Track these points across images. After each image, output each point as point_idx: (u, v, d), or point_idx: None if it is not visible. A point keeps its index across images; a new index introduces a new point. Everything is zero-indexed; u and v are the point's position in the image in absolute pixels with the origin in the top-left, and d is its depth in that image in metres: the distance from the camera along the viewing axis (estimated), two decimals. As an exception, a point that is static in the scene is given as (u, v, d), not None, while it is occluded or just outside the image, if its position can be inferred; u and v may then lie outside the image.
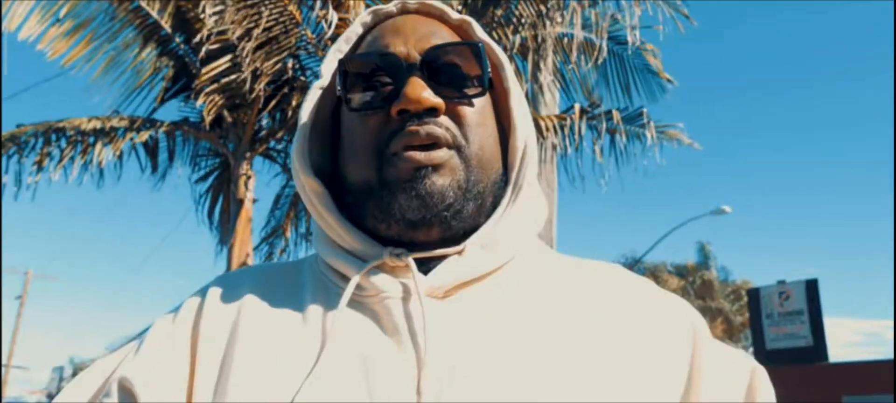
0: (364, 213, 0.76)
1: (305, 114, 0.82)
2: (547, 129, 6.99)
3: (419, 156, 0.72)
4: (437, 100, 0.73)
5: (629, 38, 7.05)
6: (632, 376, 0.69)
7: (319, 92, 0.83)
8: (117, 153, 6.58)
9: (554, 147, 7.14)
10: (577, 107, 7.06)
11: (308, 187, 0.80)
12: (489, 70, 0.78)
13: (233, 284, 0.82)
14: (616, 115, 7.25)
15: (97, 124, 6.59)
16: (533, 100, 8.01)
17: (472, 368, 0.66)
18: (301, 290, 0.79)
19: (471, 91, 0.77)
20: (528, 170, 0.80)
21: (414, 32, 0.79)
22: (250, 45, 6.29)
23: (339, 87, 0.78)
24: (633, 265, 25.35)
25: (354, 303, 0.73)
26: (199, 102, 6.42)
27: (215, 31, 6.24)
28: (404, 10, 0.85)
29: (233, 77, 6.51)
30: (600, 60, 7.59)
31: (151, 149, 7.56)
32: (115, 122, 6.76)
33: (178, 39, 7.17)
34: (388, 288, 0.72)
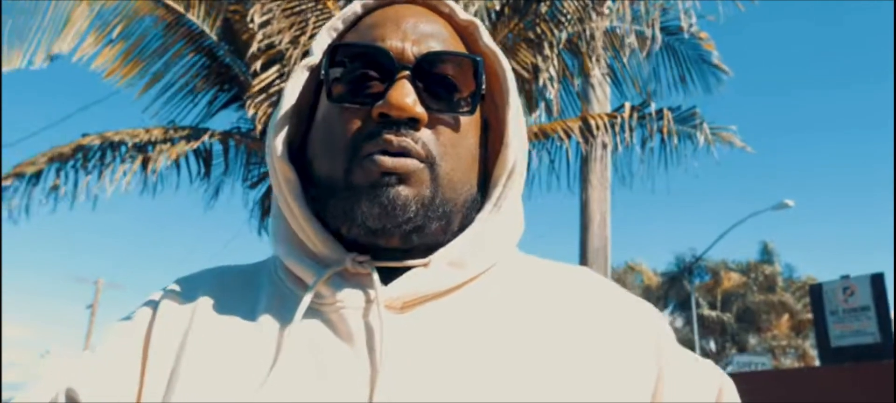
0: (326, 210, 0.73)
1: (289, 93, 0.78)
2: (597, 128, 6.89)
3: (387, 162, 0.69)
4: (421, 112, 0.70)
5: (683, 24, 6.87)
6: (589, 387, 0.67)
7: (306, 73, 0.79)
8: (171, 160, 6.72)
9: (604, 145, 7.03)
10: (627, 105, 6.93)
11: (280, 172, 0.76)
12: (483, 88, 0.75)
13: (188, 288, 0.79)
14: (667, 115, 7.09)
15: (153, 135, 6.75)
16: (585, 96, 7.91)
17: (427, 380, 0.64)
18: (257, 296, 0.76)
19: (459, 109, 0.74)
20: (513, 189, 0.78)
21: (414, 29, 0.75)
22: (298, 52, 6.36)
23: (323, 71, 0.74)
24: (693, 263, 24.82)
25: (311, 311, 0.71)
26: (250, 112, 6.51)
27: (265, 43, 6.32)
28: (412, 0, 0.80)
29: (280, 85, 6.58)
30: (653, 51, 7.42)
31: (205, 157, 7.71)
32: (169, 133, 6.92)
33: (225, 48, 7.29)
34: (347, 298, 0.70)
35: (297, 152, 0.79)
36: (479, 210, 0.78)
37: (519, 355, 0.67)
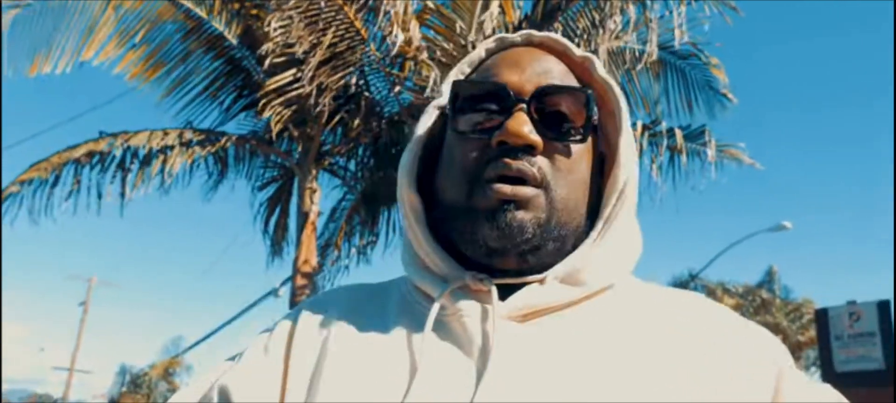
0: (449, 231, 0.79)
1: (420, 129, 0.86)
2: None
3: (506, 189, 0.74)
4: (536, 139, 0.75)
5: (676, 36, 6.94)
6: None
7: (437, 111, 0.87)
8: (190, 162, 6.77)
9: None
10: (639, 124, 7.00)
11: (407, 201, 0.83)
12: (595, 118, 0.80)
13: (323, 305, 0.87)
14: (678, 134, 7.18)
15: (170, 138, 6.79)
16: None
17: (533, 381, 0.69)
18: (387, 310, 0.83)
19: (571, 138, 0.78)
20: (624, 208, 0.81)
21: (530, 67, 0.81)
22: (316, 60, 6.41)
23: (448, 107, 0.81)
24: (689, 281, 24.89)
25: (436, 322, 0.76)
26: (266, 115, 6.56)
27: (281, 44, 6.37)
28: (529, 42, 0.87)
29: (298, 90, 6.63)
30: (649, 66, 7.52)
31: (221, 159, 7.76)
32: (187, 135, 6.97)
33: (245, 53, 7.35)
34: (469, 309, 0.75)
35: (421, 181, 0.85)
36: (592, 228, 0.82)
37: (629, 371, 0.70)
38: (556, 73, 0.81)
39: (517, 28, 6.67)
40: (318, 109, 6.74)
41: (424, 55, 6.42)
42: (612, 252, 0.80)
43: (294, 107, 6.79)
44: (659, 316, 0.78)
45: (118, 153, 6.73)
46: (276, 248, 8.48)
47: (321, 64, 6.51)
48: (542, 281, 0.77)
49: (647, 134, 7.05)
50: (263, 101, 6.61)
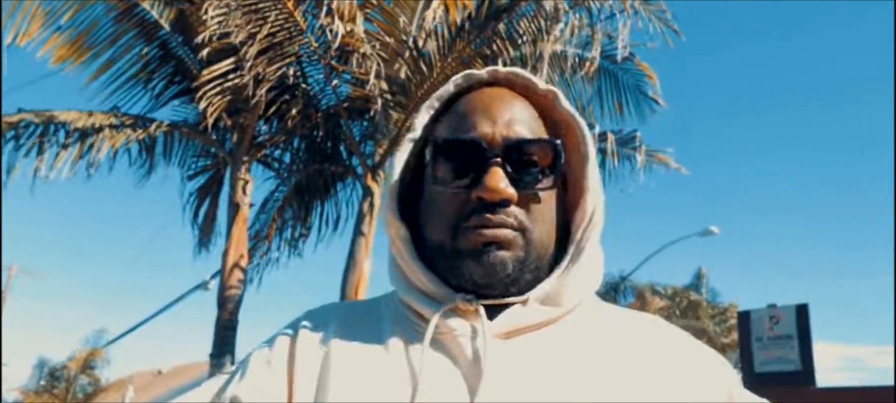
0: (436, 266, 0.88)
1: (399, 164, 0.93)
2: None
3: (488, 233, 0.82)
4: (511, 193, 0.83)
5: (620, 48, 7.10)
6: None
7: (411, 143, 0.94)
8: (115, 148, 6.56)
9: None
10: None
11: (394, 231, 0.92)
12: (562, 164, 0.87)
13: (320, 319, 0.94)
14: (610, 138, 7.34)
15: (97, 120, 6.57)
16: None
17: (522, 390, 0.78)
18: (382, 327, 0.90)
19: (542, 185, 0.86)
20: (593, 233, 0.89)
21: (500, 116, 0.88)
22: (253, 50, 6.30)
23: (427, 157, 0.89)
24: (620, 283, 25.41)
25: (431, 340, 0.84)
26: (202, 104, 6.41)
27: (218, 33, 6.24)
28: (494, 78, 0.94)
29: (234, 81, 6.51)
30: (592, 72, 7.66)
31: (148, 147, 7.56)
32: (113, 119, 6.75)
33: (178, 40, 7.17)
34: (460, 328, 0.84)
35: (403, 206, 0.94)
36: (562, 251, 0.90)
37: (604, 379, 0.80)
38: (525, 119, 0.89)
39: (460, 28, 6.69)
40: (254, 100, 6.63)
41: (366, 48, 6.38)
42: (583, 273, 0.89)
43: (229, 97, 6.66)
44: (624, 332, 0.89)
45: (36, 129, 6.46)
46: (204, 239, 8.32)
47: (259, 53, 6.41)
48: (524, 303, 0.85)
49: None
50: (198, 90, 6.47)
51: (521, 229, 0.84)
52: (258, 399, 0.84)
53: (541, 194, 0.86)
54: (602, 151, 7.51)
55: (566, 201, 0.93)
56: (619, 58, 7.44)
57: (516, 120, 0.88)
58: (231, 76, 6.52)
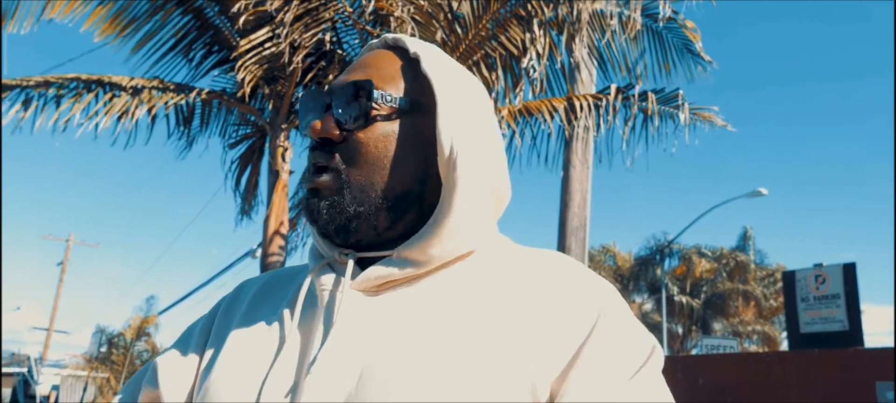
0: None
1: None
2: (581, 108, 6.95)
3: (311, 184, 0.88)
4: (328, 132, 0.87)
5: (661, 6, 6.92)
6: (495, 373, 0.76)
7: None
8: (153, 112, 6.66)
9: (586, 128, 7.09)
10: (613, 87, 7.00)
11: None
12: (373, 106, 0.87)
13: (247, 288, 1.03)
14: (651, 97, 7.18)
15: (135, 84, 6.68)
16: (571, 77, 7.95)
17: (363, 342, 0.81)
18: (289, 290, 0.96)
19: (355, 125, 0.87)
20: (460, 172, 0.86)
21: (358, 68, 0.92)
22: (289, 16, 6.32)
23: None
24: (665, 247, 25.12)
25: (310, 293, 0.91)
26: (240, 74, 6.47)
27: (253, 1, 6.27)
28: (384, 44, 0.97)
29: (271, 49, 6.55)
30: (633, 33, 7.49)
31: (187, 117, 7.67)
32: (154, 84, 6.86)
33: (214, 10, 7.22)
34: (327, 281, 0.88)
35: None
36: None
37: (446, 334, 0.79)
38: (376, 69, 0.91)
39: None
40: (291, 68, 6.66)
41: (400, 11, 6.35)
42: (462, 221, 0.87)
43: (266, 65, 6.71)
44: (505, 279, 0.87)
45: (80, 87, 6.58)
46: (246, 208, 8.44)
47: (294, 20, 6.42)
48: (392, 256, 0.87)
49: (620, 97, 7.06)
50: (237, 60, 6.52)
51: (337, 171, 0.86)
52: (173, 365, 0.94)
53: (368, 135, 0.87)
54: (643, 111, 7.37)
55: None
56: (662, 16, 7.26)
57: (367, 69, 0.91)
58: (267, 44, 6.55)
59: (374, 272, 0.86)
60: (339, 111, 0.87)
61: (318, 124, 0.87)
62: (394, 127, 0.88)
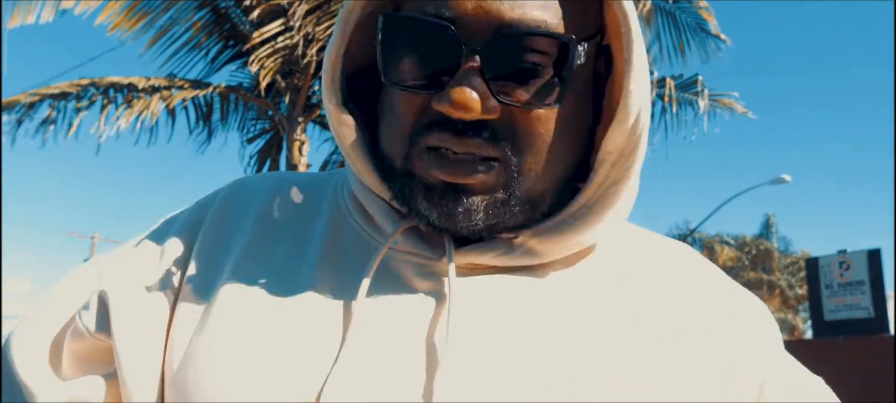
0: (388, 181, 0.65)
1: (339, 33, 0.66)
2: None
3: (447, 176, 0.59)
4: (489, 110, 0.57)
5: None
6: (677, 387, 0.60)
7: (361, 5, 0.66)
8: (171, 107, 6.70)
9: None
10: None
11: (338, 125, 0.67)
12: (574, 70, 0.59)
13: (243, 199, 0.73)
14: (669, 83, 7.09)
15: (152, 83, 6.73)
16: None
17: (484, 362, 0.58)
18: (315, 224, 0.69)
19: (539, 101, 0.59)
20: (631, 170, 0.65)
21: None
22: (302, 8, 6.31)
23: (377, 44, 0.61)
24: (687, 236, 24.95)
25: (381, 264, 0.63)
26: (254, 68, 6.48)
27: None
28: None
29: (285, 42, 6.55)
30: (647, 12, 7.38)
31: (205, 113, 7.69)
32: (174, 82, 6.91)
33: (229, 3, 7.23)
34: (420, 252, 0.64)
35: (360, 93, 0.69)
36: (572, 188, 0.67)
37: (589, 348, 0.60)
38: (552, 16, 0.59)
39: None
40: (306, 61, 6.66)
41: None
42: (618, 215, 0.66)
43: (281, 58, 6.70)
44: (639, 275, 0.68)
45: (100, 91, 6.66)
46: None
47: (307, 13, 6.42)
48: (513, 240, 0.63)
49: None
50: (251, 54, 6.53)
51: (502, 161, 0.59)
52: (131, 300, 0.65)
53: (541, 113, 0.59)
54: (660, 97, 7.27)
55: (592, 123, 0.67)
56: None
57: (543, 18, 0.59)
58: (281, 37, 6.55)
59: (484, 250, 0.63)
60: (517, 77, 0.58)
61: (473, 99, 0.55)
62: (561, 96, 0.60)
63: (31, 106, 6.68)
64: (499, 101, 0.57)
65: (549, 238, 0.63)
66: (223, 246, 0.68)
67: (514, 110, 0.59)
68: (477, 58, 0.57)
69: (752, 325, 0.69)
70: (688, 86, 7.32)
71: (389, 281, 0.62)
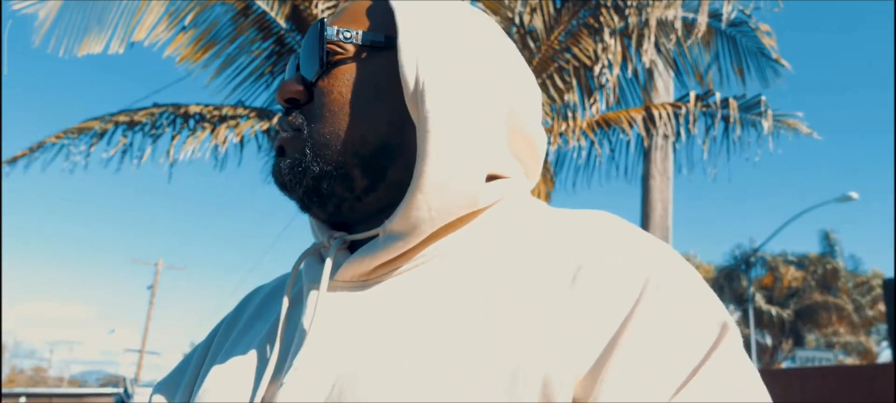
0: None
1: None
2: (660, 117, 6.83)
3: (274, 146, 0.77)
4: (292, 92, 0.76)
5: (725, 9, 6.74)
6: (485, 372, 0.59)
7: None
8: (239, 137, 6.88)
9: (665, 136, 6.97)
10: (692, 94, 6.86)
11: None
12: (328, 48, 0.74)
13: (252, 297, 0.92)
14: (732, 104, 7.00)
15: (222, 112, 6.92)
16: (646, 86, 7.85)
17: (333, 357, 0.65)
18: (295, 288, 0.82)
19: (314, 74, 0.75)
20: (430, 104, 0.68)
21: (339, 13, 0.79)
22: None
23: None
24: (751, 255, 24.35)
25: (299, 293, 0.80)
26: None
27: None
28: None
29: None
30: (704, 37, 7.32)
31: (270, 141, 7.88)
32: (239, 111, 7.09)
33: (294, 37, 7.42)
34: (312, 275, 0.74)
35: None
36: None
37: (430, 327, 0.63)
38: (344, 11, 0.78)
39: (564, 0, 6.59)
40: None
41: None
42: (446, 166, 0.67)
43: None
44: (527, 249, 0.69)
45: (172, 118, 6.86)
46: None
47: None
48: (380, 233, 0.70)
49: (700, 104, 6.91)
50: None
51: (299, 129, 0.74)
52: (165, 389, 0.87)
53: (330, 86, 0.73)
54: (725, 119, 7.18)
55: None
56: (727, 19, 7.08)
57: (342, 14, 0.78)
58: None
59: (356, 258, 0.70)
60: (302, 66, 0.77)
61: (285, 86, 0.76)
62: (360, 69, 0.73)
63: (102, 133, 6.92)
64: (297, 81, 0.76)
65: (401, 214, 0.67)
66: (229, 333, 0.87)
67: (314, 93, 0.75)
68: (294, 62, 0.80)
69: (623, 280, 0.63)
70: (751, 107, 7.21)
71: (298, 310, 0.76)
